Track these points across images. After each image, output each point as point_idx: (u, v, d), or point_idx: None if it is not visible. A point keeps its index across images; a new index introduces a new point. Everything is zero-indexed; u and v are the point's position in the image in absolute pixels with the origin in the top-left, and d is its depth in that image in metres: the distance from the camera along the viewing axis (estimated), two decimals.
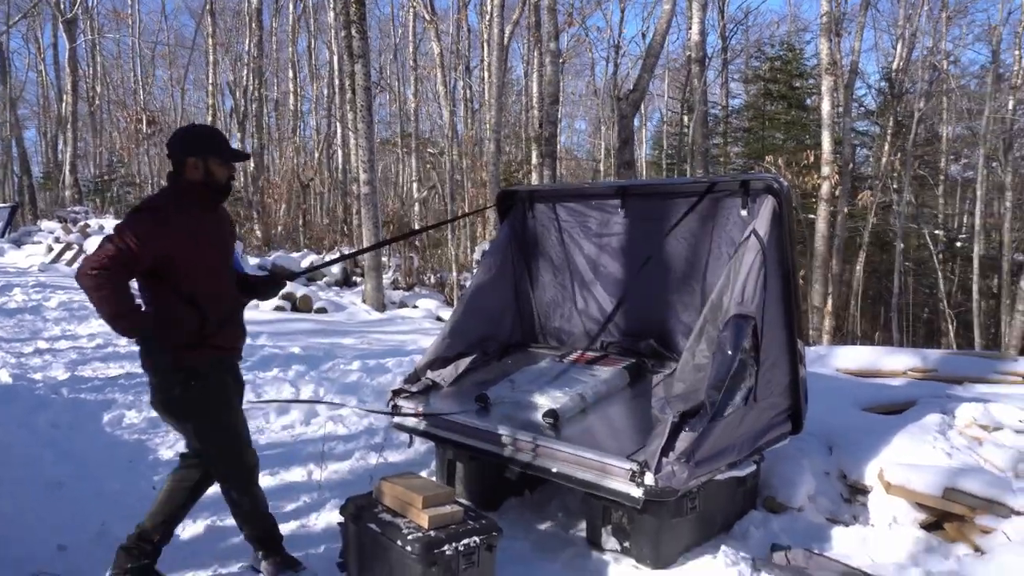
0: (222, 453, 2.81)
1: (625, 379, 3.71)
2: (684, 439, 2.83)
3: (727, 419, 3.00)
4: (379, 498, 2.85)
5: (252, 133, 17.33)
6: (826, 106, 12.50)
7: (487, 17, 16.53)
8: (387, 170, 26.17)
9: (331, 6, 18.34)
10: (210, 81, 22.57)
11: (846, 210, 14.06)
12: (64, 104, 22.21)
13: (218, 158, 2.71)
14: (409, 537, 2.56)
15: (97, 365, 6.13)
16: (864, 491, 3.70)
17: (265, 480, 4.09)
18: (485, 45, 17.26)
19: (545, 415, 3.25)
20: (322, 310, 10.37)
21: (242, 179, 19.34)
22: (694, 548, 3.18)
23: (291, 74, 21.18)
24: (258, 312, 10.01)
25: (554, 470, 3.04)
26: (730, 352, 3.01)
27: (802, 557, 3.13)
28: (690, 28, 11.42)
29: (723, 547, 3.06)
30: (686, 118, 20.13)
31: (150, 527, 2.85)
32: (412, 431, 3.74)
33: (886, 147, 16.08)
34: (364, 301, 11.04)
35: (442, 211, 18.34)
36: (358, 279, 12.49)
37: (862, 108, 19.34)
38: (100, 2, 26.29)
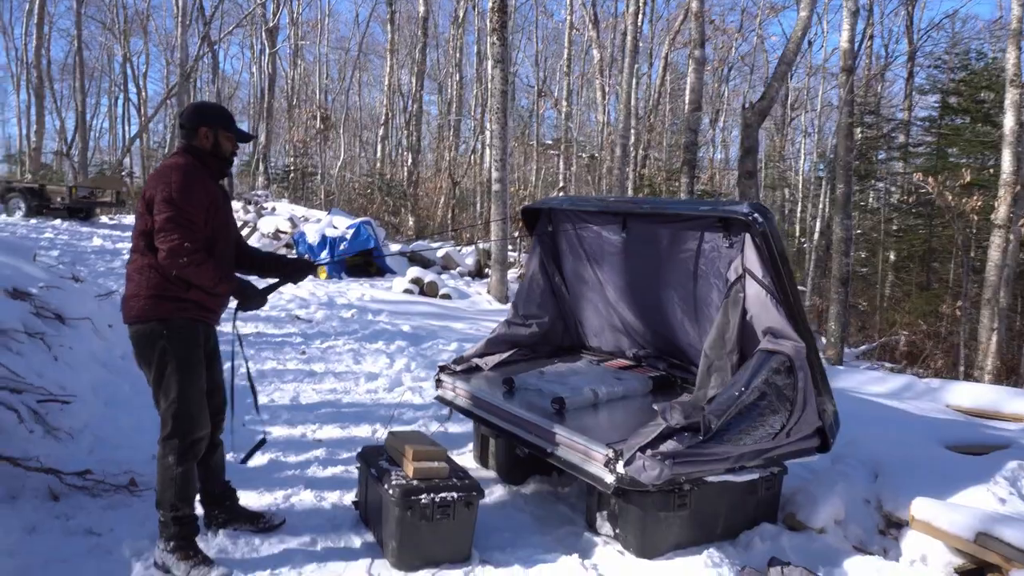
0: (175, 414, 2.79)
1: (647, 386, 3.84)
2: (669, 444, 2.93)
3: (725, 441, 3.04)
4: (386, 448, 3.25)
5: (412, 132, 18.70)
6: (1009, 121, 11.22)
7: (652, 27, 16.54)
8: (549, 174, 26.81)
9: (488, 17, 19.29)
10: (386, 84, 24.60)
11: (1013, 238, 12.41)
12: (264, 101, 25.26)
13: (227, 131, 2.94)
14: (394, 483, 2.92)
15: None
16: (898, 524, 3.52)
17: (335, 431, 4.69)
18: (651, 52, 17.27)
19: (553, 401, 3.48)
20: (446, 296, 11.07)
21: (403, 174, 20.88)
22: (689, 548, 3.23)
23: (457, 77, 22.49)
24: (389, 293, 10.93)
25: (548, 450, 3.26)
26: (743, 388, 3.06)
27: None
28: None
29: (708, 550, 3.11)
30: (858, 130, 18.76)
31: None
32: (451, 404, 4.13)
33: None
34: (488, 291, 11.62)
35: None
36: (488, 271, 13.12)
37: None
38: (302, 13, 29.51)
